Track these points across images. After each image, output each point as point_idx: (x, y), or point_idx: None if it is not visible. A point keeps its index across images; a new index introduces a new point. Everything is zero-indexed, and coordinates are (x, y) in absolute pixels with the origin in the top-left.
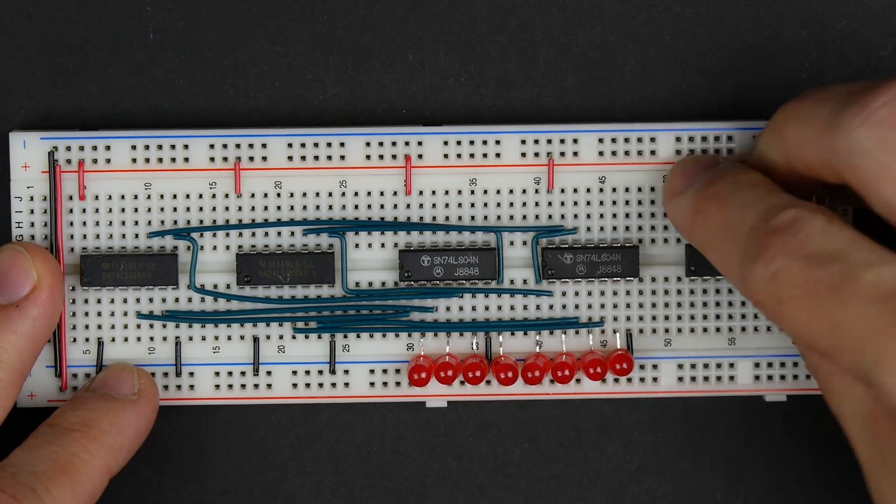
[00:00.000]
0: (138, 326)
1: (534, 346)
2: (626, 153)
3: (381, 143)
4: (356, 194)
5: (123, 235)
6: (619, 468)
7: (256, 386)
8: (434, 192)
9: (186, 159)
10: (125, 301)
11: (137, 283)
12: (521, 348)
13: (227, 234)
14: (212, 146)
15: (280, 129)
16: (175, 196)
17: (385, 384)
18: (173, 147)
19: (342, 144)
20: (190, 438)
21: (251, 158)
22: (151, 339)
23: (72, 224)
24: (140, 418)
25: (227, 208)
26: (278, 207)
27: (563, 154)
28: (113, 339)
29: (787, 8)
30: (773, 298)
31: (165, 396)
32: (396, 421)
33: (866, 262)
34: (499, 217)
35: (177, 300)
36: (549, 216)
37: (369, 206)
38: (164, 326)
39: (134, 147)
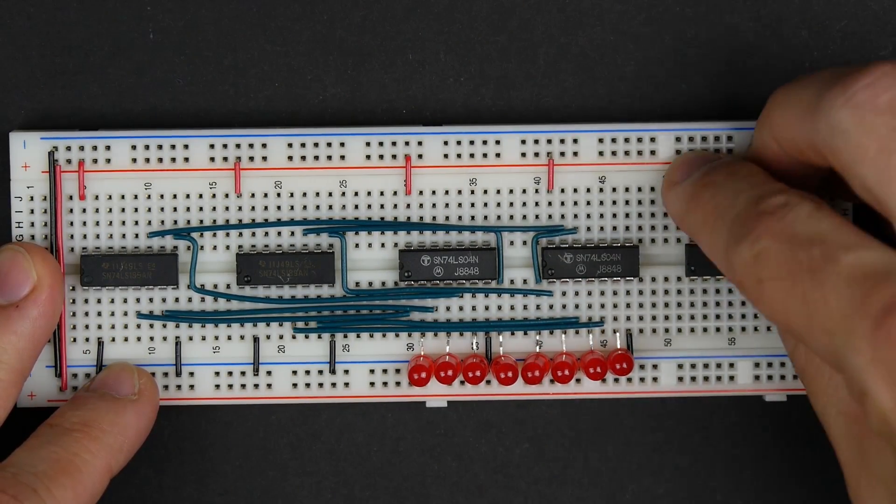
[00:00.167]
0: (138, 326)
1: (534, 346)
2: (626, 153)
3: (381, 143)
4: (356, 194)
5: (123, 235)
6: (619, 468)
7: (256, 386)
8: (434, 192)
9: (186, 159)
10: (125, 301)
11: (137, 283)
12: (521, 348)
13: (227, 234)
14: (212, 146)
15: (280, 129)
16: (175, 196)
17: (385, 384)
18: (173, 147)
19: (342, 144)
20: (190, 438)
21: (251, 158)
22: (151, 339)
23: (72, 224)
24: (140, 418)
25: (227, 208)
26: (278, 207)
27: (563, 154)
28: (113, 339)
29: (787, 8)
30: (753, 278)
31: (165, 396)
32: (396, 421)
33: (847, 244)
34: (499, 217)
35: (177, 300)
36: (549, 216)
37: (369, 206)
38: (164, 326)
39: (134, 147)
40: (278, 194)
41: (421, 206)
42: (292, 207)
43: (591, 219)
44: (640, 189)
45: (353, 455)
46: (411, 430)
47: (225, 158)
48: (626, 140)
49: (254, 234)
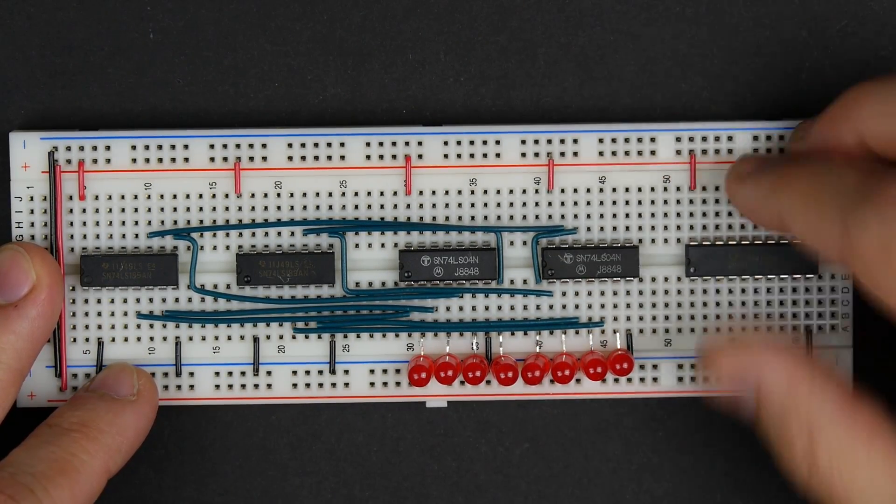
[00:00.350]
0: (138, 326)
1: (534, 346)
2: (626, 153)
3: (381, 143)
4: (356, 194)
5: (123, 235)
6: (619, 468)
7: (256, 386)
8: (434, 192)
9: (186, 159)
10: (125, 301)
11: (137, 283)
12: (521, 348)
13: (227, 234)
14: (212, 146)
15: (280, 129)
16: (175, 196)
17: (385, 384)
18: (173, 147)
19: (342, 144)
20: (190, 438)
21: (251, 158)
22: (151, 339)
23: (72, 224)
24: (139, 419)
25: (227, 208)
26: (278, 207)
27: (563, 154)
28: (113, 339)
29: (787, 8)
30: (883, 250)
31: (165, 396)
32: (396, 421)
33: None
34: (499, 217)
35: (177, 300)
36: (549, 216)
37: (369, 206)
38: (164, 326)
39: (134, 147)
40: (278, 194)
41: (421, 206)
42: (292, 207)
43: (591, 219)
44: (640, 189)
45: (353, 455)
46: (411, 430)
47: (225, 158)
48: (626, 140)
49: (254, 234)
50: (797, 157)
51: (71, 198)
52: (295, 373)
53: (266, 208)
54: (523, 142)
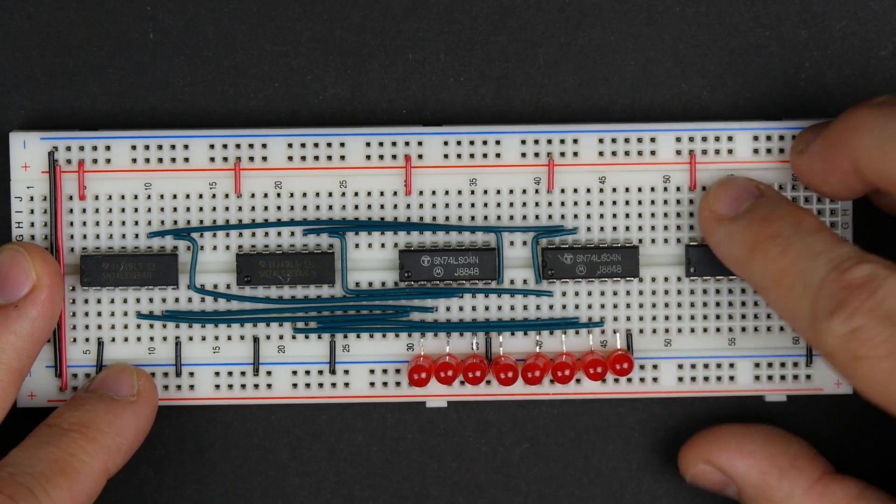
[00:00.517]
0: (138, 326)
1: (534, 346)
2: (626, 153)
3: (381, 143)
4: (356, 194)
5: (123, 235)
6: (619, 468)
7: (256, 386)
8: (434, 193)
9: (186, 159)
10: (125, 301)
11: (137, 283)
12: (521, 348)
13: (227, 234)
14: (212, 146)
15: (280, 129)
16: (175, 196)
17: (385, 384)
18: (173, 147)
19: (342, 144)
20: (190, 438)
21: (251, 158)
22: (151, 339)
23: (72, 224)
24: (139, 419)
25: (227, 208)
26: (278, 207)
27: (563, 154)
28: (113, 339)
29: (787, 8)
30: (849, 355)
31: (165, 396)
32: (396, 421)
33: None
34: (499, 217)
35: (177, 300)
36: (549, 216)
37: (369, 206)
38: (164, 326)
39: (134, 147)
40: (278, 194)
41: (421, 206)
42: (292, 207)
43: (591, 219)
44: (640, 189)
45: (353, 455)
46: (411, 430)
47: (225, 158)
48: (626, 140)
49: (254, 235)
50: (788, 209)
51: (71, 198)
52: (295, 373)
53: (266, 208)
54: (523, 142)
